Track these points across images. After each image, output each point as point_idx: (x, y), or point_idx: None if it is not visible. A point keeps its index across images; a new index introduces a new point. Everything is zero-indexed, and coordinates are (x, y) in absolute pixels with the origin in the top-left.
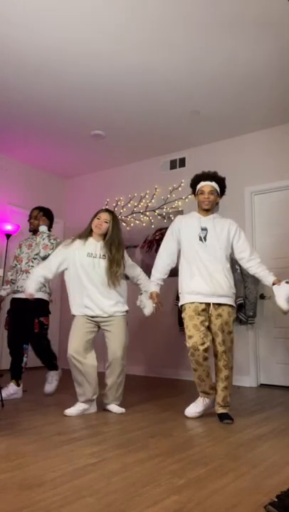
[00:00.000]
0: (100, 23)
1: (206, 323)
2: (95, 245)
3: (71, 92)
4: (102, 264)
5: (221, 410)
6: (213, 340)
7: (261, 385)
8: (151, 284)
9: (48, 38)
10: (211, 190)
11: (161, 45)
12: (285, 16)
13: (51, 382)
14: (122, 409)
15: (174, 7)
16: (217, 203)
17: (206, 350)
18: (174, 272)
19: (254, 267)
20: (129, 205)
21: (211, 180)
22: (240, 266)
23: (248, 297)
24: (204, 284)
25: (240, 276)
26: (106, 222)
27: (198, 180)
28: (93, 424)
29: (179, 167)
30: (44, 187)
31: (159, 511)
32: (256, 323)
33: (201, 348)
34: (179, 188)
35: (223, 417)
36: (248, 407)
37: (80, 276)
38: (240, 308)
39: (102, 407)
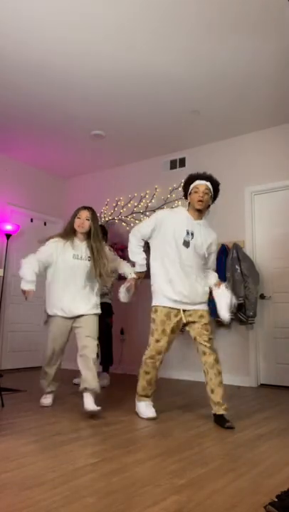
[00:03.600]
0: (100, 24)
1: (176, 330)
2: (80, 246)
3: (71, 92)
4: (88, 265)
5: (221, 411)
6: (196, 339)
7: (261, 385)
8: (141, 266)
9: (48, 39)
10: (206, 189)
11: (161, 45)
12: (285, 16)
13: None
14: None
15: (174, 8)
16: (208, 207)
17: (165, 354)
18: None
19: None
20: (129, 205)
21: (206, 181)
22: (240, 266)
23: (248, 297)
24: (183, 290)
25: (241, 277)
26: (87, 219)
27: (194, 180)
28: (93, 424)
29: (179, 167)
30: (44, 187)
31: (159, 511)
32: (256, 323)
33: (163, 354)
34: (179, 188)
35: (223, 420)
36: (248, 407)
37: (62, 278)
38: (240, 308)
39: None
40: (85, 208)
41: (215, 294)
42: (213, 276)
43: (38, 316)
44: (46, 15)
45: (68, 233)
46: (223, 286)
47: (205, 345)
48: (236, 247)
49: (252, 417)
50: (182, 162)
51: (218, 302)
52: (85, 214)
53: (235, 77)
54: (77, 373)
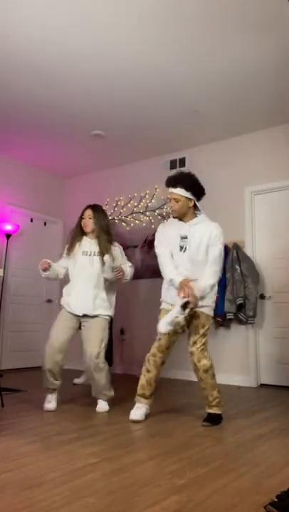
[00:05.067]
0: (100, 25)
1: (178, 330)
2: (89, 243)
3: (71, 92)
4: (97, 260)
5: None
6: (187, 339)
7: (261, 385)
8: (178, 276)
9: (48, 39)
10: (175, 197)
11: (161, 45)
12: (285, 16)
13: None
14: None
15: (174, 9)
16: (195, 206)
17: (167, 354)
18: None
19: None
20: (129, 205)
21: (174, 186)
22: (240, 266)
23: (248, 297)
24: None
25: (240, 277)
26: (90, 218)
27: (166, 186)
28: (93, 424)
29: (179, 167)
30: (44, 187)
31: (159, 511)
32: (256, 323)
33: (164, 354)
34: None
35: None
36: (248, 407)
37: (75, 275)
38: (240, 308)
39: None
40: (88, 206)
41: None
42: (201, 281)
43: (38, 316)
44: (46, 16)
45: (77, 234)
46: (182, 301)
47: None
48: (236, 247)
49: (252, 417)
50: (182, 162)
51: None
52: (87, 213)
53: (236, 78)
54: (77, 373)
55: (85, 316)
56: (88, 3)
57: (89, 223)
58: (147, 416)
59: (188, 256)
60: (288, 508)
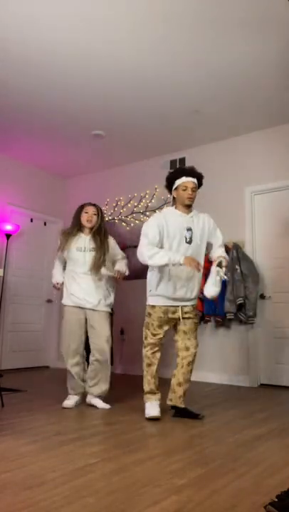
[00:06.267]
0: (101, 24)
1: (171, 324)
2: (84, 239)
3: (71, 92)
4: (92, 255)
5: (183, 405)
6: (179, 338)
7: (261, 385)
8: (177, 255)
9: (48, 40)
10: (194, 186)
11: (161, 45)
12: (285, 16)
13: None
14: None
15: (174, 8)
16: None
17: (162, 345)
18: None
19: (217, 252)
20: (129, 205)
21: (193, 177)
22: (240, 266)
23: (248, 297)
24: (179, 288)
25: (240, 277)
26: (94, 214)
27: (180, 175)
28: (93, 424)
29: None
30: (44, 187)
31: (159, 511)
32: (256, 323)
33: (161, 346)
34: None
35: (190, 412)
36: (248, 407)
37: (71, 270)
38: (240, 308)
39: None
40: (90, 204)
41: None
42: (219, 251)
43: (38, 316)
44: (46, 16)
45: (75, 228)
46: (216, 263)
47: (184, 345)
48: (236, 247)
49: (252, 417)
50: (182, 162)
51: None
52: (92, 209)
53: (236, 78)
54: None
55: (89, 309)
56: (88, 2)
57: (94, 219)
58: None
59: (193, 247)
60: (288, 508)
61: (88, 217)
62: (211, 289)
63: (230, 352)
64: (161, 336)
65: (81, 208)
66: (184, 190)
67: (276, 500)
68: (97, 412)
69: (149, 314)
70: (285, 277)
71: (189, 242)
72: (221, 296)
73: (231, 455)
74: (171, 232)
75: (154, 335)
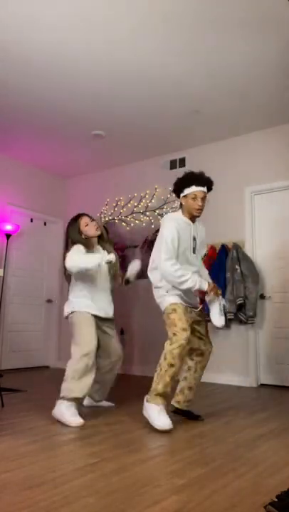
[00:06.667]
0: (101, 24)
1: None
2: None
3: (71, 92)
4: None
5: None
6: (196, 343)
7: (261, 385)
8: (203, 284)
9: (49, 40)
10: (204, 196)
11: (161, 45)
12: (285, 16)
13: None
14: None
15: (174, 8)
16: None
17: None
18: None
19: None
20: (129, 205)
21: (203, 186)
22: (240, 266)
23: (248, 297)
24: (187, 296)
25: (240, 277)
26: (95, 224)
27: (191, 183)
28: (93, 424)
29: (179, 167)
30: (44, 187)
31: (159, 511)
32: (256, 323)
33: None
34: None
35: (192, 414)
36: (248, 407)
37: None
38: (240, 308)
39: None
40: (84, 214)
41: (207, 299)
42: (207, 276)
43: (38, 316)
44: (46, 16)
45: (81, 241)
46: (212, 291)
47: (201, 349)
48: (236, 247)
49: (252, 417)
50: (182, 162)
51: (210, 308)
52: (89, 219)
53: (236, 77)
54: None
55: (106, 319)
56: (89, 2)
57: (98, 228)
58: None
59: (196, 256)
60: (288, 508)
61: (92, 226)
62: (221, 319)
63: (230, 352)
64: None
65: (76, 220)
66: (194, 199)
67: (276, 500)
68: (97, 412)
69: (174, 310)
70: (285, 277)
71: (194, 252)
72: (221, 296)
73: (231, 455)
74: (182, 240)
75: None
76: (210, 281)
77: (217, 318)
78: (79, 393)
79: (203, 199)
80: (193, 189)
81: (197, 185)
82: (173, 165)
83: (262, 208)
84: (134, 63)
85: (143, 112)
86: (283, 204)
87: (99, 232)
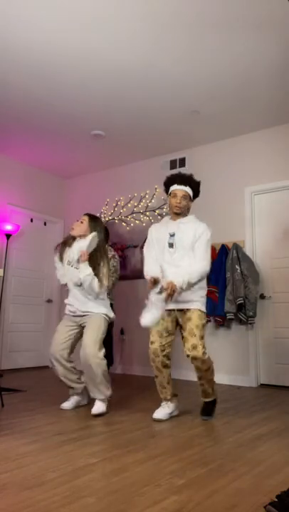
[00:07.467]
0: (100, 25)
1: (170, 329)
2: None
3: (71, 92)
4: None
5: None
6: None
7: (261, 385)
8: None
9: (48, 39)
10: (184, 195)
11: (161, 46)
12: (285, 16)
13: None
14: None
15: (174, 9)
16: (188, 208)
17: (166, 356)
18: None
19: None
20: (129, 205)
21: (185, 185)
22: (240, 266)
23: (248, 297)
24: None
25: (240, 276)
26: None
27: (173, 182)
28: (93, 424)
29: (179, 167)
30: (44, 187)
31: (159, 511)
32: (256, 323)
33: (161, 354)
34: None
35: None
36: (248, 407)
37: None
38: (240, 308)
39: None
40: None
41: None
42: (193, 272)
43: (38, 316)
44: (46, 16)
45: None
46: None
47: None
48: (236, 247)
49: (252, 417)
50: (182, 162)
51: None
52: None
53: (236, 78)
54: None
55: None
56: (88, 3)
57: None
58: (173, 416)
59: (177, 252)
60: (288, 508)
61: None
62: (149, 319)
63: (230, 352)
64: None
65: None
66: (174, 197)
67: (276, 500)
68: (93, 414)
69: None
70: (285, 277)
71: (171, 247)
72: (221, 296)
73: (231, 455)
74: (158, 240)
75: None
76: (181, 279)
77: (148, 315)
78: None
79: (184, 198)
80: (174, 187)
81: (178, 183)
82: (173, 165)
83: (262, 208)
84: (134, 63)
85: (143, 112)
86: (283, 204)
87: (74, 233)
